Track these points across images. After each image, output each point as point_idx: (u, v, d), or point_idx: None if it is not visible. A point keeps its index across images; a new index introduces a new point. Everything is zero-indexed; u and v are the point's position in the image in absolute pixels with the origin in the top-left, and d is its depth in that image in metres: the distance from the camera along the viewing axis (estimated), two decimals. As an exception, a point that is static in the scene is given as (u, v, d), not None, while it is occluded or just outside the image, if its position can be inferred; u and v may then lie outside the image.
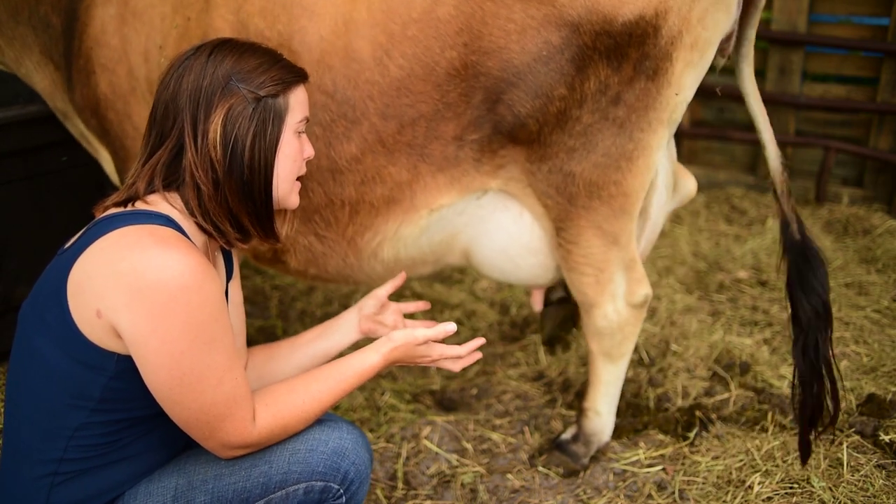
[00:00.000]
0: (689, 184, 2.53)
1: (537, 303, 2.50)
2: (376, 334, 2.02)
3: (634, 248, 2.20)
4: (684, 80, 1.98)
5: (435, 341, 1.74)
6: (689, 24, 1.90)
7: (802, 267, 2.21)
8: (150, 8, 2.16)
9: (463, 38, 1.90)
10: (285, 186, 1.60)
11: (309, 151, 1.65)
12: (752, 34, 2.15)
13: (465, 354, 1.78)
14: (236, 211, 1.53)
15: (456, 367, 1.79)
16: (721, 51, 2.10)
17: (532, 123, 1.95)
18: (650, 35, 1.87)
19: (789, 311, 2.20)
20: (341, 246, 2.21)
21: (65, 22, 2.32)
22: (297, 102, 1.58)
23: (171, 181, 1.52)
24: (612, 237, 2.11)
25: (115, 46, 2.19)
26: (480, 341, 1.81)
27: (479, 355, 1.83)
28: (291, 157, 1.59)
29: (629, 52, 1.88)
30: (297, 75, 1.58)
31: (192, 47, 1.55)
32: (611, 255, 2.14)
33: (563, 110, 1.93)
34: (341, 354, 1.80)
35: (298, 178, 1.67)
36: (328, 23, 1.96)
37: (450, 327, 1.72)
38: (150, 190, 1.52)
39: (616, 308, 2.23)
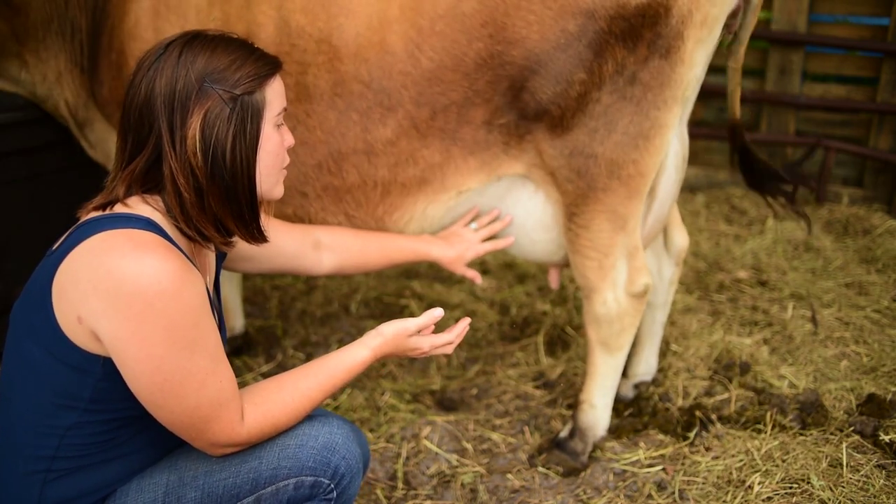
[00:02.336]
0: (681, 239, 2.64)
1: (554, 281, 2.54)
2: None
3: (639, 237, 2.25)
4: (696, 57, 2.06)
5: (425, 329, 1.73)
6: (699, 2, 1.97)
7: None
8: (184, 1, 2.20)
9: (488, 30, 1.99)
10: (270, 181, 1.58)
11: (289, 140, 1.62)
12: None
13: (455, 339, 1.77)
14: (221, 215, 1.51)
15: (449, 349, 1.79)
16: (728, 27, 2.17)
17: (554, 109, 2.04)
18: (662, 15, 1.94)
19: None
20: (370, 225, 2.30)
21: (91, 20, 2.35)
22: (275, 95, 1.54)
23: (150, 187, 1.49)
24: (622, 221, 2.17)
25: (148, 40, 2.23)
26: (466, 321, 1.82)
27: (467, 328, 1.83)
28: (274, 152, 1.56)
29: (643, 32, 1.95)
30: (271, 67, 1.54)
31: (160, 45, 1.49)
32: (617, 239, 2.20)
33: (584, 94, 2.01)
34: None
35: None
36: (363, 20, 2.06)
37: (437, 313, 1.71)
38: (129, 194, 1.49)
39: (616, 296, 2.27)
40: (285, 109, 1.60)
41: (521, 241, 2.35)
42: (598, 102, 2.02)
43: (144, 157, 1.46)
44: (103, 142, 2.58)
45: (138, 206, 1.49)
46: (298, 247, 2.05)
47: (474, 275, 2.35)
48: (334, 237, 2.14)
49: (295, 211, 2.32)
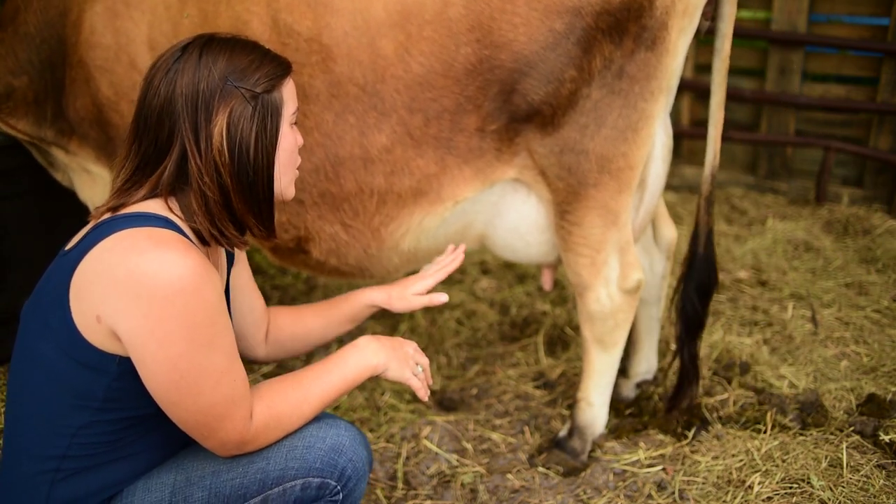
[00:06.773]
0: (669, 232, 2.65)
1: (548, 282, 2.54)
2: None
3: (630, 232, 2.26)
4: (679, 46, 2.07)
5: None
6: None
7: (702, 277, 2.39)
8: None
9: (475, 35, 1.98)
10: (286, 179, 1.61)
11: (300, 140, 1.65)
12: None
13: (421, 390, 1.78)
14: (242, 213, 1.53)
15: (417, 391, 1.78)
16: (704, 14, 2.18)
17: (546, 109, 2.04)
18: (646, 8, 1.96)
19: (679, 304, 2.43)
20: (365, 236, 2.26)
21: (48, 55, 2.34)
22: (289, 94, 1.58)
23: (173, 188, 1.50)
24: (614, 216, 2.18)
25: (108, 45, 2.18)
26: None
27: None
28: (290, 150, 1.59)
29: (629, 26, 1.96)
30: (285, 67, 1.57)
31: (177, 48, 1.51)
32: (609, 235, 2.20)
33: (574, 91, 2.02)
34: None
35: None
36: (348, 18, 2.03)
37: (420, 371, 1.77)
38: (151, 196, 1.50)
39: (609, 293, 2.28)
40: (298, 109, 1.62)
41: (516, 244, 2.34)
42: (588, 98, 2.03)
43: (171, 159, 1.47)
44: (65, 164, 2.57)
45: (155, 206, 1.50)
46: (259, 319, 1.94)
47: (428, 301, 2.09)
48: (280, 318, 1.99)
49: (290, 219, 2.26)
